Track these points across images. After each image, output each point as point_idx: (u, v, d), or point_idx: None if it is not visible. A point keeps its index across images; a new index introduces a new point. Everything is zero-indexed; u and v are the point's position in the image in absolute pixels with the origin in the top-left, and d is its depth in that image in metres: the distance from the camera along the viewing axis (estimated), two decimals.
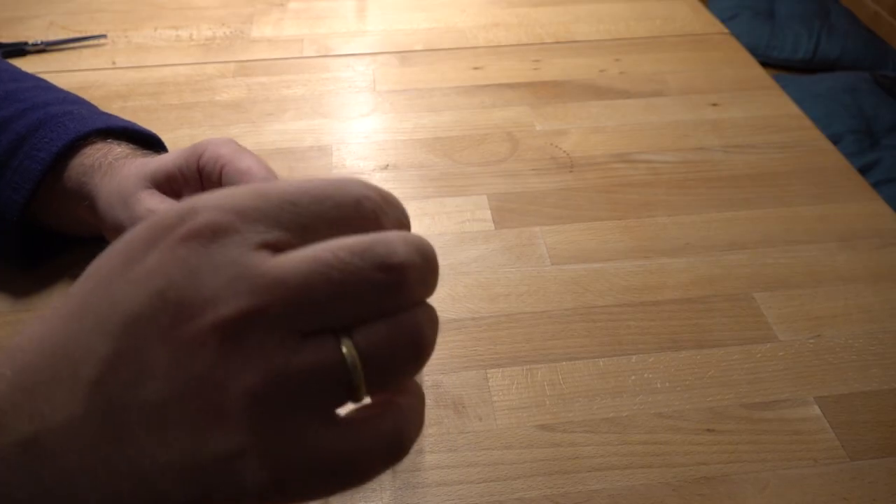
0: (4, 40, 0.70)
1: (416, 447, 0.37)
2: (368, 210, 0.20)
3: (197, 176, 0.38)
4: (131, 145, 0.44)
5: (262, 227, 0.18)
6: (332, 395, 0.18)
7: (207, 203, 0.19)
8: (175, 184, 0.38)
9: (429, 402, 0.39)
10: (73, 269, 0.46)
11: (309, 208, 0.19)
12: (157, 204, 0.37)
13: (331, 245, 0.18)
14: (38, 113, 0.43)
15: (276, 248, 0.18)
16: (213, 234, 0.18)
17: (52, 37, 0.71)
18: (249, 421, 0.17)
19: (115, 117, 0.46)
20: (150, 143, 0.47)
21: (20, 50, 0.68)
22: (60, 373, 0.18)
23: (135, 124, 0.46)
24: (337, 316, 0.18)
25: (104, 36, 0.71)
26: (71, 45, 0.70)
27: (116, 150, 0.43)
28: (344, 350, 0.18)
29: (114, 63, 0.68)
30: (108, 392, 0.17)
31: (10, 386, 0.18)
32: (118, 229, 0.37)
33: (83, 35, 0.71)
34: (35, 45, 0.69)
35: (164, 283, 0.18)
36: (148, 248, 0.18)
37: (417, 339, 0.19)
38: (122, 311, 0.18)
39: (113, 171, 0.40)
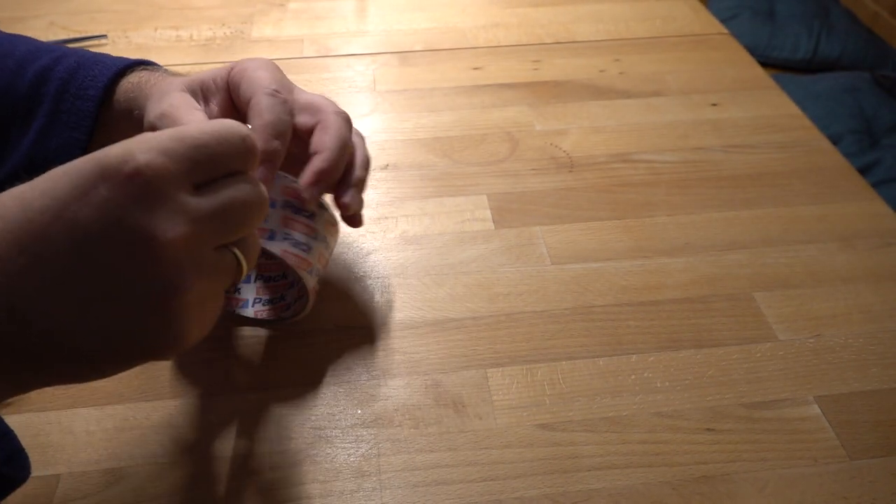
0: None
1: (415, 446, 0.37)
2: (250, 145, 0.28)
3: (226, 86, 0.41)
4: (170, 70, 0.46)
5: (185, 165, 0.26)
6: None
7: (141, 146, 0.25)
8: (207, 90, 0.41)
9: (429, 401, 0.39)
10: None
11: (214, 148, 0.27)
12: (180, 100, 0.38)
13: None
14: (72, 58, 0.45)
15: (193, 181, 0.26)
16: (152, 172, 0.24)
17: (52, 37, 0.71)
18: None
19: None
20: None
21: None
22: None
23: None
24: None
25: (104, 36, 0.71)
26: (71, 45, 0.70)
27: (159, 72, 0.45)
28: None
29: None
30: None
31: None
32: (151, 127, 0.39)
33: (83, 35, 0.71)
34: None
35: (121, 212, 0.24)
36: (98, 181, 0.24)
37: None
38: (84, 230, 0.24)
39: (159, 83, 0.42)
